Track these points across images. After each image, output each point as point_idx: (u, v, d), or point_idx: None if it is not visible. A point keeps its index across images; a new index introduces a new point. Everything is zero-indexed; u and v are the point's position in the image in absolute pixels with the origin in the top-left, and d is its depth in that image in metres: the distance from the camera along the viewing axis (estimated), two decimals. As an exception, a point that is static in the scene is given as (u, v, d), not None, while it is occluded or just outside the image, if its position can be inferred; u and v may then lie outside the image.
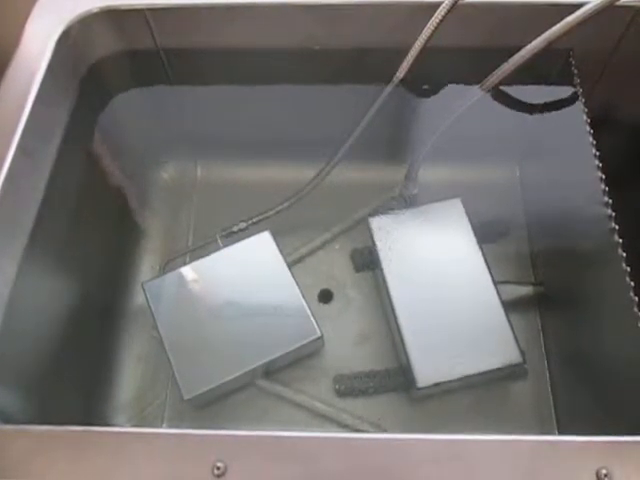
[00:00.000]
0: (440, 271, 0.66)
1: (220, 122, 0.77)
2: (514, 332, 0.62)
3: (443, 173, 0.77)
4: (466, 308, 0.64)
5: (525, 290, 0.71)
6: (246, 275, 0.67)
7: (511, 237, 0.75)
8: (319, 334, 0.63)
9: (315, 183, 0.69)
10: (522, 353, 0.62)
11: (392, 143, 0.80)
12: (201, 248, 0.72)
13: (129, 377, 0.69)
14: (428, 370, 0.61)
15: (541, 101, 0.70)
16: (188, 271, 0.68)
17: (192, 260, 0.69)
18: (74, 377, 0.63)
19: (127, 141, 0.76)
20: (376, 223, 0.69)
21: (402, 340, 0.63)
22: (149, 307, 0.66)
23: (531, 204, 0.77)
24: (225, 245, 0.69)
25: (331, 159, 0.69)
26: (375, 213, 0.70)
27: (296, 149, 0.77)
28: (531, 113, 0.72)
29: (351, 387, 0.67)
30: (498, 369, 0.61)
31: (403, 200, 0.74)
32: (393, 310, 0.64)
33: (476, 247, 0.67)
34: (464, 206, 0.69)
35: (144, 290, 0.67)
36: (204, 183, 0.82)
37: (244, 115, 0.76)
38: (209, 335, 0.64)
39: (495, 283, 0.65)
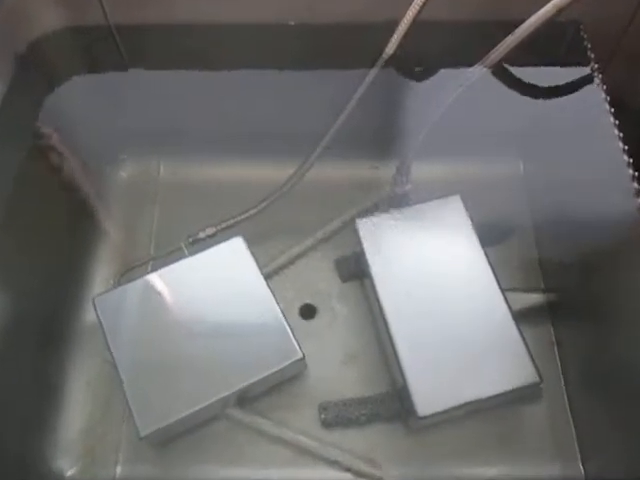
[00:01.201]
0: (439, 279, 0.61)
1: (186, 113, 0.73)
2: (528, 347, 0.57)
3: (439, 168, 0.74)
4: (471, 321, 0.59)
5: (535, 298, 0.66)
6: (215, 288, 0.62)
7: (516, 239, 0.72)
8: (301, 355, 0.58)
9: (293, 182, 0.65)
10: (538, 371, 0.56)
11: (381, 133, 0.75)
12: (164, 257, 0.66)
13: (76, 407, 0.63)
14: (430, 396, 0.55)
15: (549, 82, 0.67)
16: (147, 283, 0.62)
17: (153, 270, 0.63)
18: (9, 409, 0.57)
19: (78, 134, 0.71)
20: (364, 226, 0.64)
21: (398, 361, 0.57)
22: (100, 325, 0.60)
23: (537, 201, 0.73)
24: (191, 253, 0.64)
25: (311, 154, 0.65)
26: (363, 214, 0.65)
27: (272, 143, 0.73)
28: (537, 97, 0.68)
29: (339, 416, 0.61)
30: (511, 391, 0.56)
31: (394, 199, 0.69)
32: (386, 325, 0.59)
33: (480, 250, 0.62)
34: (464, 204, 0.64)
35: (94, 306, 0.61)
36: (168, 183, 0.77)
37: (213, 105, 0.72)
38: (172, 359, 0.58)
39: (503, 291, 0.60)
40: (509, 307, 0.59)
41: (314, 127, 0.65)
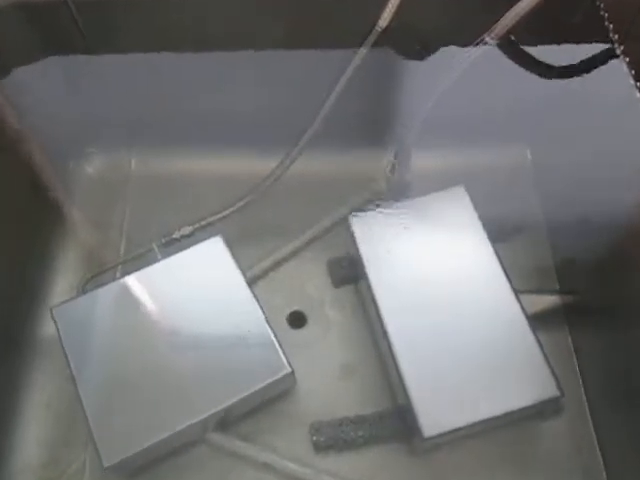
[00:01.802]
0: (445, 281, 0.58)
1: (159, 100, 0.69)
2: (546, 357, 0.54)
3: (439, 157, 0.72)
4: (482, 328, 0.56)
5: (550, 301, 0.63)
6: (192, 294, 0.59)
7: (526, 234, 0.69)
8: (289, 369, 0.56)
9: (278, 175, 0.63)
10: (558, 384, 0.53)
11: (375, 119, 0.72)
12: (134, 260, 0.63)
13: (34, 432, 0.60)
14: (436, 414, 0.52)
15: (561, 59, 0.63)
16: (115, 290, 0.59)
17: (123, 275, 0.60)
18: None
19: (38, 125, 0.65)
20: (358, 223, 0.61)
21: (400, 374, 0.54)
22: (60, 340, 0.56)
23: (548, 193, 0.71)
24: (165, 256, 0.61)
25: (297, 143, 0.62)
26: (357, 210, 0.63)
27: (254, 133, 0.70)
28: (547, 76, 0.64)
29: (333, 438, 0.58)
30: (529, 407, 0.52)
31: (392, 191, 0.68)
32: (386, 335, 0.56)
33: (489, 248, 0.59)
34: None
35: (53, 317, 0.57)
36: (140, 178, 0.75)
37: (189, 91, 0.68)
38: (142, 377, 0.55)
39: (517, 294, 0.57)
40: (524, 311, 0.56)
41: (301, 113, 0.62)
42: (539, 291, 0.63)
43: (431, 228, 0.61)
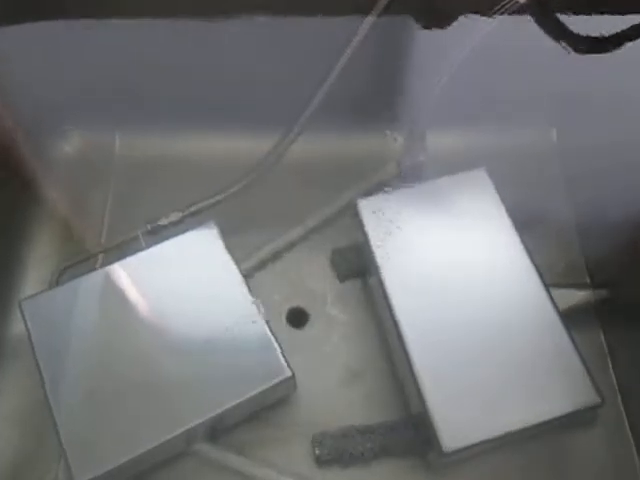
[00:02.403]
0: (465, 274, 0.55)
1: (147, 73, 0.66)
2: (583, 359, 0.51)
3: (457, 137, 0.70)
4: (509, 327, 0.52)
5: (581, 297, 0.60)
6: (180, 288, 0.56)
7: (552, 222, 0.67)
8: (289, 373, 0.53)
9: (276, 157, 0.61)
10: (598, 389, 0.50)
11: (384, 95, 0.69)
12: (117, 249, 0.61)
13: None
14: (457, 425, 0.49)
15: (596, 30, 0.60)
16: (93, 282, 0.55)
17: (103, 265, 0.58)
18: None
19: (9, 98, 0.65)
20: (367, 208, 0.58)
21: (415, 380, 0.51)
22: (29, 338, 0.53)
23: (576, 177, 0.69)
24: (150, 244, 0.58)
25: (297, 121, 0.61)
26: (365, 194, 0.60)
27: (251, 111, 0.68)
28: (578, 47, 0.61)
29: (338, 451, 0.55)
30: (564, 417, 0.49)
31: (405, 173, 0.65)
32: (399, 334, 0.53)
33: (515, 236, 0.56)
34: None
35: (22, 312, 0.54)
36: (124, 159, 0.72)
37: (179, 63, 0.65)
38: (121, 381, 0.51)
39: (548, 288, 0.53)
40: (556, 308, 0.52)
41: (302, 88, 0.60)
42: (568, 285, 0.60)
43: (449, 214, 0.58)
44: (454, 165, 0.60)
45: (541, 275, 0.54)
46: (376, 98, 0.70)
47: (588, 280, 0.64)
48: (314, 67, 0.60)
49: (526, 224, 0.59)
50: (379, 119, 0.71)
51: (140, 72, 0.66)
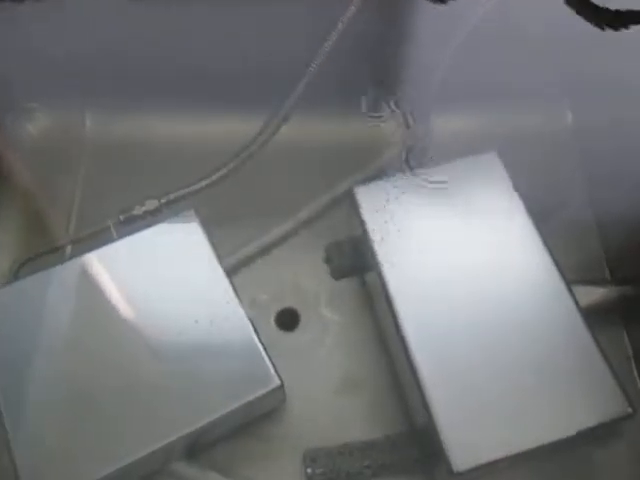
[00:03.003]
0: (477, 271, 0.53)
1: (122, 48, 0.64)
2: (610, 364, 0.48)
3: (464, 119, 0.68)
4: (526, 329, 0.50)
5: (602, 294, 0.58)
6: (156, 284, 0.54)
7: (568, 211, 0.65)
8: (278, 382, 0.51)
9: (263, 141, 0.59)
10: (628, 398, 0.47)
11: (384, 73, 0.66)
12: (87, 240, 0.59)
13: None
14: (469, 442, 0.46)
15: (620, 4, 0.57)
16: (57, 276, 0.53)
17: (71, 258, 0.56)
18: None
19: None
20: (366, 196, 0.56)
21: (421, 390, 0.48)
22: None
23: (594, 163, 0.67)
24: (122, 235, 0.56)
25: (286, 101, 0.58)
26: (364, 182, 0.58)
27: (236, 90, 0.66)
28: (597, 20, 0.58)
29: (333, 470, 0.53)
30: (589, 430, 0.46)
31: (408, 157, 0.62)
32: (403, 340, 0.50)
33: (530, 227, 0.54)
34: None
35: None
36: (95, 141, 0.70)
37: (158, 38, 0.63)
38: (89, 390, 0.49)
39: (569, 285, 0.51)
40: (578, 307, 0.50)
41: (292, 65, 0.57)
42: (587, 281, 0.57)
43: (458, 203, 0.55)
44: (461, 150, 0.58)
45: (562, 271, 0.51)
46: (374, 78, 0.67)
47: (608, 275, 0.63)
48: (305, 43, 0.57)
49: (540, 213, 0.57)
50: (378, 101, 0.67)
51: (116, 48, 0.64)
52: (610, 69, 0.62)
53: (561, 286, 0.51)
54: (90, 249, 0.55)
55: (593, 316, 0.53)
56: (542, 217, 0.57)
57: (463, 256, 0.53)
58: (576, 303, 0.50)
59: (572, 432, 0.46)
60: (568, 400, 0.47)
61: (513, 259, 0.53)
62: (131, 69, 0.67)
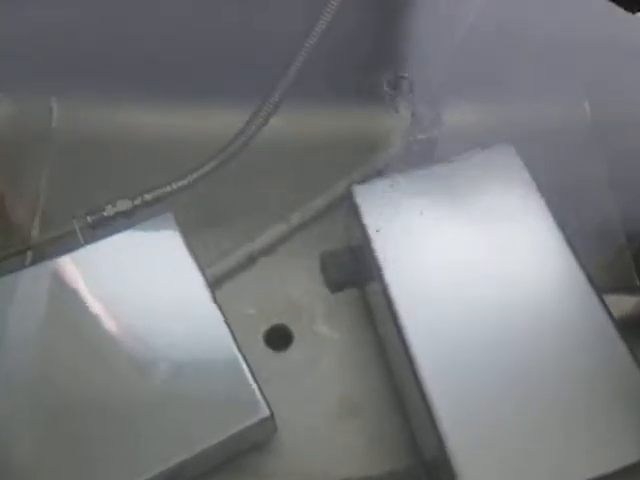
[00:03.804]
0: (493, 279, 0.49)
1: (95, 33, 0.62)
2: None
3: (473, 112, 0.66)
4: (551, 348, 0.46)
5: (635, 303, 0.56)
6: (128, 295, 0.51)
7: (590, 210, 0.62)
8: (267, 412, 0.48)
9: (249, 136, 0.56)
10: None
11: (385, 63, 0.64)
12: (50, 244, 0.56)
13: None
14: (486, 478, 0.43)
15: None
16: (18, 283, 0.51)
17: (34, 263, 0.54)
18: None
19: None
20: (367, 196, 0.53)
21: (430, 418, 0.45)
22: None
23: (615, 156, 0.66)
24: (91, 240, 0.53)
25: (275, 89, 0.55)
26: (363, 181, 0.55)
27: (219, 80, 0.63)
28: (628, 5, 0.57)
29: None
30: (628, 468, 0.42)
31: (413, 153, 0.61)
32: (410, 360, 0.46)
33: (554, 229, 0.51)
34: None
35: None
36: (63, 134, 0.67)
37: (133, 21, 0.61)
38: (50, 418, 0.46)
39: (601, 296, 0.48)
40: (613, 321, 0.46)
41: (283, 53, 0.54)
42: (617, 289, 0.54)
43: (470, 202, 0.52)
44: (474, 143, 0.55)
45: (591, 279, 0.48)
46: (374, 68, 0.66)
47: (638, 282, 0.61)
48: (297, 27, 0.54)
49: (561, 213, 0.54)
50: (378, 93, 0.67)
51: (88, 33, 0.63)
52: (627, 61, 0.61)
53: (592, 295, 0.47)
54: (55, 254, 0.52)
55: (626, 328, 0.50)
56: (563, 218, 0.54)
57: (479, 263, 0.50)
58: (610, 315, 0.47)
59: (605, 470, 0.42)
60: (602, 431, 0.43)
61: (536, 266, 0.50)
62: (104, 57, 0.65)
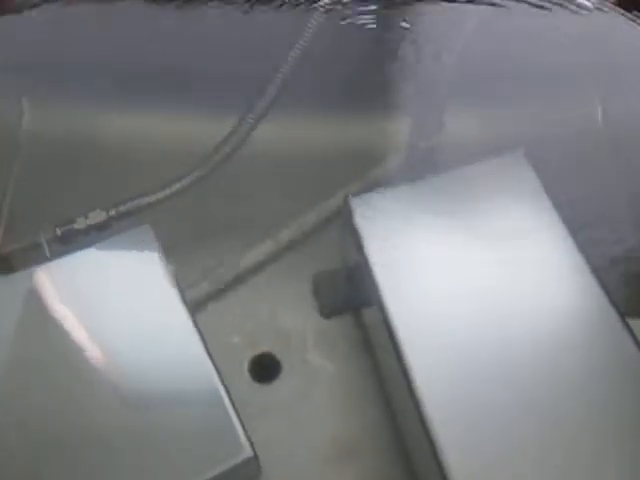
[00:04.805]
0: (507, 305, 0.46)
1: (70, 31, 0.62)
2: None
3: (480, 119, 0.63)
4: (575, 379, 0.43)
5: None
6: (99, 318, 0.48)
7: (605, 222, 0.59)
8: (250, 453, 0.44)
9: (236, 143, 0.55)
10: None
11: (383, 67, 0.63)
12: (15, 258, 0.54)
13: None
14: None
15: None
16: None
17: None
18: None
19: None
20: (364, 209, 0.50)
21: (437, 462, 0.41)
22: None
23: (630, 163, 0.64)
24: (58, 255, 0.50)
25: (263, 95, 0.55)
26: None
27: (205, 84, 0.62)
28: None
29: None
30: None
31: (414, 162, 0.58)
32: (413, 395, 0.43)
33: (571, 245, 0.48)
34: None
35: None
36: (33, 139, 0.64)
37: (109, 22, 0.62)
38: (13, 453, 0.43)
39: (624, 319, 0.46)
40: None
41: (269, 58, 0.55)
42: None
43: (478, 215, 0.50)
44: (479, 152, 0.53)
45: (613, 301, 0.45)
46: (372, 72, 0.63)
47: None
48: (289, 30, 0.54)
49: (576, 228, 0.52)
50: (376, 100, 0.64)
51: (62, 32, 0.61)
52: None
53: (616, 321, 0.45)
54: (20, 268, 0.49)
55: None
56: (578, 232, 0.52)
57: (488, 286, 0.47)
58: (636, 342, 0.44)
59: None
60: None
61: (553, 288, 0.47)
62: (80, 58, 0.63)
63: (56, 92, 0.66)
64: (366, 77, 0.66)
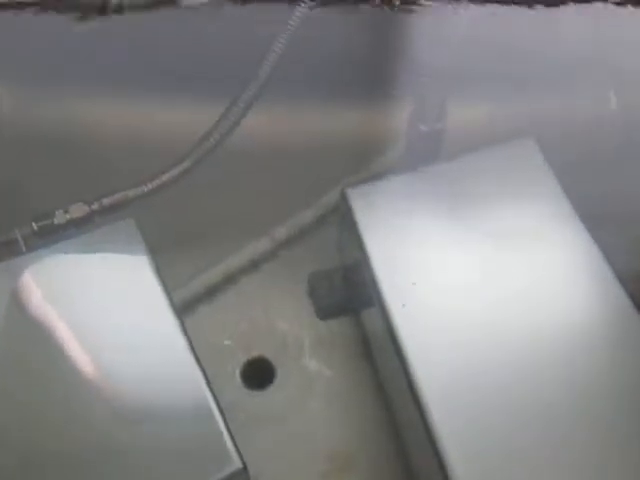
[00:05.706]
0: (518, 305, 0.45)
1: (50, 16, 0.55)
2: None
3: (488, 103, 0.62)
4: (587, 384, 0.42)
5: None
6: (77, 317, 0.46)
7: (621, 216, 0.57)
8: (239, 464, 0.42)
9: (224, 132, 0.52)
10: None
11: (381, 50, 0.59)
12: None
13: None
14: None
15: None
16: None
17: None
18: None
19: None
20: (363, 201, 0.49)
21: (443, 471, 0.40)
22: None
23: None
24: (34, 249, 0.49)
25: (254, 81, 0.51)
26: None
27: (192, 71, 0.59)
28: None
29: None
30: None
31: (415, 151, 0.55)
32: (416, 402, 0.41)
33: (587, 238, 0.47)
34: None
35: None
36: (11, 128, 0.62)
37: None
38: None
39: None
40: None
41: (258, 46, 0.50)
42: None
43: (486, 207, 0.48)
44: (483, 137, 0.53)
45: (635, 300, 0.44)
46: (369, 56, 0.60)
47: None
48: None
49: (590, 219, 0.51)
50: (374, 87, 0.61)
51: (42, 16, 0.54)
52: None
53: (635, 318, 0.43)
54: None
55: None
56: (589, 219, 0.50)
57: (498, 283, 0.45)
58: None
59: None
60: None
61: (565, 282, 0.45)
62: (61, 41, 0.59)
63: (36, 81, 0.63)
64: (361, 65, 0.61)
